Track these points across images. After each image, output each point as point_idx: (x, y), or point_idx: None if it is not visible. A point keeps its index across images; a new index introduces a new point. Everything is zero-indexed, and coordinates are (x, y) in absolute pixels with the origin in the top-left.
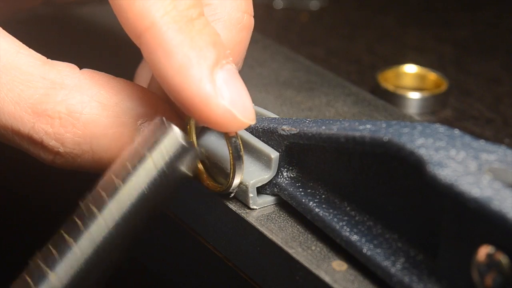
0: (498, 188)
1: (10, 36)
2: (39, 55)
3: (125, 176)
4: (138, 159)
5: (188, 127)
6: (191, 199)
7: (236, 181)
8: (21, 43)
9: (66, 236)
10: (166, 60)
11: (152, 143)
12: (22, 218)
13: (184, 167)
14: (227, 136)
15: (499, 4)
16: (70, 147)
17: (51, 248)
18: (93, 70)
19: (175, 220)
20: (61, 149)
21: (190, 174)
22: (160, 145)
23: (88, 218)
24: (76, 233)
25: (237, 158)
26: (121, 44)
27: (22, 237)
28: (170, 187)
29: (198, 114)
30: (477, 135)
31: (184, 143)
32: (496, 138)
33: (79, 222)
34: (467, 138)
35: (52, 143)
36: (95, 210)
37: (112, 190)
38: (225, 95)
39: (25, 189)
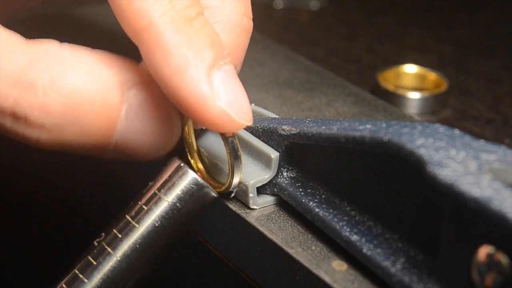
0: (498, 188)
1: None
2: (20, 35)
3: (141, 217)
4: (155, 201)
5: (186, 127)
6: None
7: (235, 181)
8: (1, 25)
9: (81, 275)
10: (164, 60)
11: (168, 185)
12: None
13: (200, 207)
14: (224, 136)
15: (499, 4)
16: (55, 117)
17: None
18: (74, 44)
19: None
20: (46, 121)
21: (206, 209)
22: (177, 187)
23: (104, 259)
24: (91, 273)
25: (235, 157)
26: (121, 44)
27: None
28: (186, 225)
29: (195, 115)
30: (477, 135)
31: (201, 187)
32: (496, 138)
33: (94, 262)
34: (467, 138)
35: (36, 114)
36: (111, 251)
37: (128, 231)
38: (222, 97)
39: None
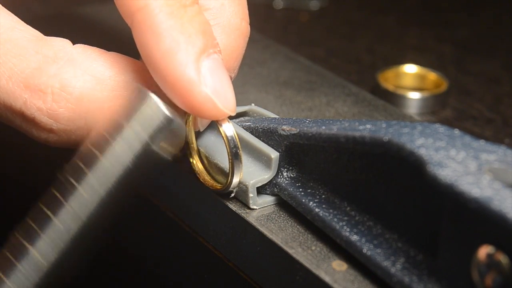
0: (498, 188)
1: (9, 12)
2: (36, 31)
3: (104, 147)
4: (117, 129)
5: (186, 127)
6: (191, 199)
7: (236, 180)
8: (19, 19)
9: (46, 210)
10: (155, 42)
11: (131, 112)
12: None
13: (165, 137)
14: (225, 135)
15: (499, 4)
16: (63, 123)
17: (31, 223)
18: (86, 45)
19: (175, 220)
20: (55, 126)
21: (172, 144)
22: (139, 113)
23: (68, 191)
24: (56, 207)
25: (235, 157)
26: (121, 44)
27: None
28: (151, 157)
29: (180, 99)
30: (477, 135)
31: (163, 110)
32: (496, 138)
33: (59, 195)
34: (467, 138)
35: (44, 119)
36: (75, 183)
37: (92, 162)
38: (208, 83)
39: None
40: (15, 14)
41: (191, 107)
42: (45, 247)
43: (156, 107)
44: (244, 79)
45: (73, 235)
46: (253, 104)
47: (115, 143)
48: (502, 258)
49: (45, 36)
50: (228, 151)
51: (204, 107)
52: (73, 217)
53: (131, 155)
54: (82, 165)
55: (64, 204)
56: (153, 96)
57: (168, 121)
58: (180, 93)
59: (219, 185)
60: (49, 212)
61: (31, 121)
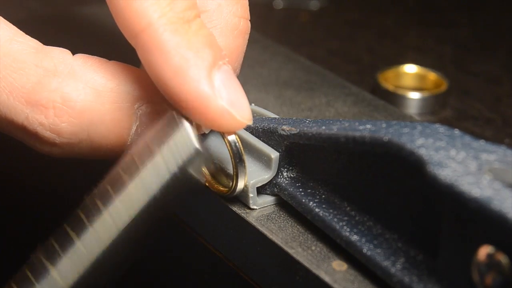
0: (498, 188)
1: (7, 22)
2: (35, 41)
3: (133, 172)
4: (148, 154)
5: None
6: (191, 199)
7: (240, 186)
8: (17, 30)
9: (70, 231)
10: (163, 61)
11: (162, 138)
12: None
13: (194, 165)
14: (227, 140)
15: (499, 4)
16: (66, 137)
17: (54, 243)
18: (86, 55)
19: (175, 220)
20: (57, 140)
21: (200, 172)
22: (171, 140)
23: (94, 214)
24: (80, 229)
25: (239, 162)
26: (121, 45)
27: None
28: (178, 184)
29: (197, 114)
30: (477, 135)
31: (195, 139)
32: (496, 138)
33: (84, 218)
34: (467, 138)
35: (47, 134)
36: (101, 206)
37: (120, 187)
38: (223, 96)
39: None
40: (15, 14)
41: (208, 122)
42: (65, 268)
43: (187, 137)
44: (244, 79)
45: (95, 258)
46: (253, 104)
47: (144, 168)
48: (502, 258)
49: (45, 47)
50: (232, 157)
51: (222, 120)
52: (97, 241)
53: (159, 183)
54: (110, 190)
55: (88, 228)
56: (186, 125)
57: (198, 152)
58: (196, 109)
59: (225, 189)
60: (73, 234)
61: (34, 135)
